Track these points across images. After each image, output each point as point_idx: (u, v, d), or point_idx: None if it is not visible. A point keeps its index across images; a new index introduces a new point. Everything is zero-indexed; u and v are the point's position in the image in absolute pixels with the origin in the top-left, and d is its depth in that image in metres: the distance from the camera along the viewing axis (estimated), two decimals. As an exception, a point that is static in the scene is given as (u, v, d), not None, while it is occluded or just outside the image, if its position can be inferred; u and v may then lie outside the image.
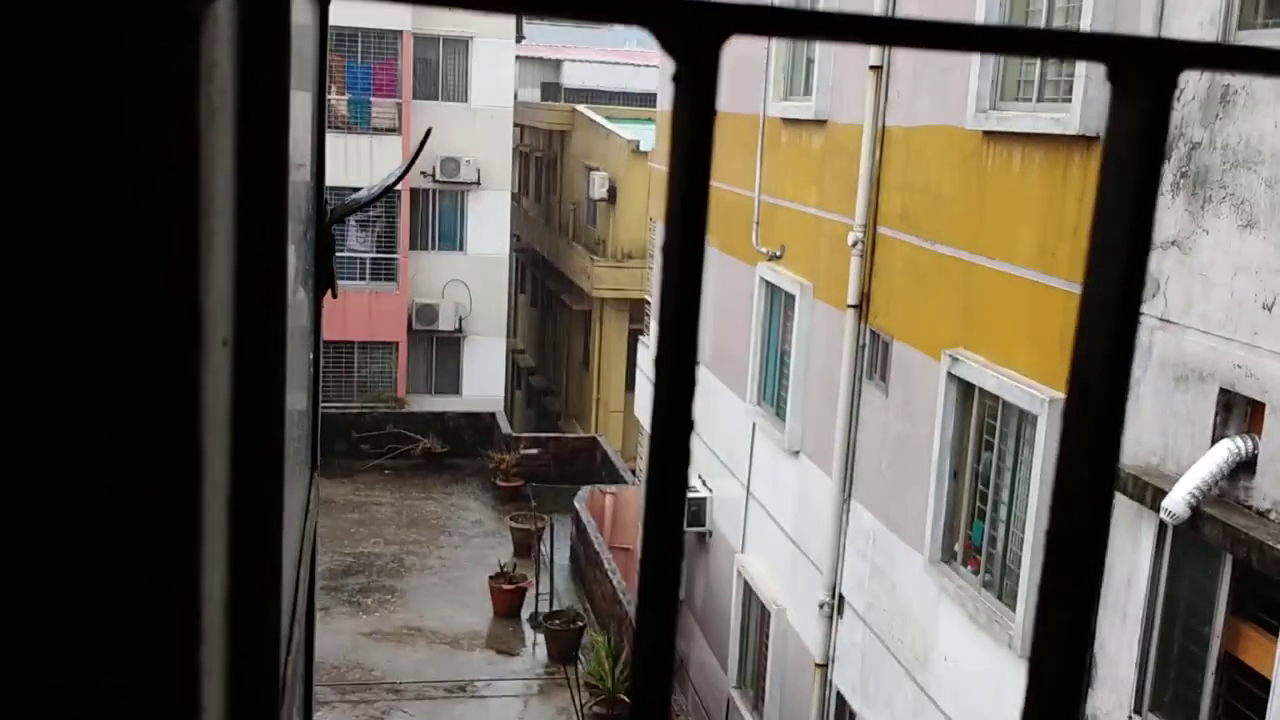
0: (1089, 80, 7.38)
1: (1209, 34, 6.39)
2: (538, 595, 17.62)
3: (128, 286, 0.42)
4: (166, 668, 0.48)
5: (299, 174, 1.33)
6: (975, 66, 8.69)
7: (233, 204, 0.59)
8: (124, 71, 0.41)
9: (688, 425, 0.47)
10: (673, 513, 0.46)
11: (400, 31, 25.61)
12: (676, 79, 0.45)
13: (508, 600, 17.82)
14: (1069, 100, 7.70)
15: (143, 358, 0.43)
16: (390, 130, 25.65)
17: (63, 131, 0.42)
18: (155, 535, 0.45)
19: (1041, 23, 8.22)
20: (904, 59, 10.05)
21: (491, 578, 18.02)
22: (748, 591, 13.34)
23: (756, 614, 13.18)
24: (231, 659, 0.66)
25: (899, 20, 0.47)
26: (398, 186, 25.56)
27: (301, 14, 1.23)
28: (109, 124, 0.41)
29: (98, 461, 0.44)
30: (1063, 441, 0.50)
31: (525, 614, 17.83)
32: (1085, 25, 7.41)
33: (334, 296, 1.66)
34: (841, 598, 11.00)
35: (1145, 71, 0.48)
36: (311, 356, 1.57)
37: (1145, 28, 6.83)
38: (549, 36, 46.30)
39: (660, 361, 0.44)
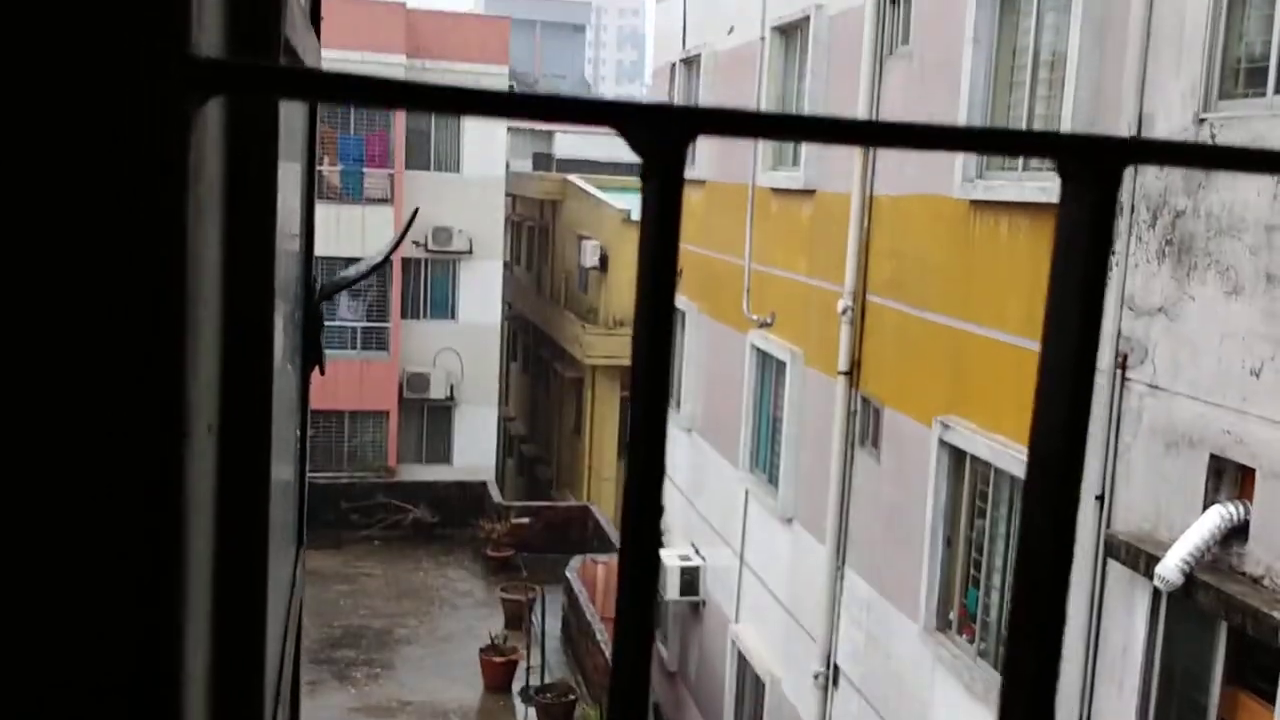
0: (1072, 150, 7.49)
1: (1190, 104, 6.51)
2: (529, 668, 17.39)
3: (113, 375, 0.43)
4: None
5: (288, 247, 1.35)
6: (960, 137, 8.82)
7: (220, 294, 0.60)
8: (114, 170, 0.42)
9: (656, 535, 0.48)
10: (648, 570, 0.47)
11: (393, 104, 25.88)
12: (643, 176, 0.47)
13: (498, 673, 17.58)
14: (1054, 171, 7.79)
15: (126, 446, 0.44)
16: (382, 200, 25.85)
17: (53, 224, 0.43)
18: (138, 621, 0.45)
19: (1025, 93, 8.37)
20: (890, 130, 10.20)
21: (482, 650, 17.79)
22: (742, 662, 13.20)
23: (751, 685, 13.03)
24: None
25: (856, 121, 0.49)
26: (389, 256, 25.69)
27: (290, 105, 1.26)
28: (97, 220, 0.42)
29: (79, 547, 0.45)
30: (1023, 521, 0.51)
31: (516, 687, 17.58)
32: (1069, 93, 7.54)
33: (321, 373, 1.67)
34: (836, 668, 10.88)
35: (1091, 168, 0.50)
36: (299, 432, 1.57)
37: (1128, 97, 6.95)
38: (541, 108, 46.80)
39: (630, 476, 0.45)
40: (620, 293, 25.66)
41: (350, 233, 25.16)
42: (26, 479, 0.45)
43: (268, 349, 0.73)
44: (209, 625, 0.63)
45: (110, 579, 0.46)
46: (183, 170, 0.43)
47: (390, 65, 25.71)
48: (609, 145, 36.56)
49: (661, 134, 0.46)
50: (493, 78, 26.94)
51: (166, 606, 0.46)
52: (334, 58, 27.30)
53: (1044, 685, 0.48)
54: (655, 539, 0.50)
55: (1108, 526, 7.03)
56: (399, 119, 26.08)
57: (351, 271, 3.04)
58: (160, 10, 0.43)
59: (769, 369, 12.86)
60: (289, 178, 1.42)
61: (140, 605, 0.46)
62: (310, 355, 1.55)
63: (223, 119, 0.59)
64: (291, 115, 1.37)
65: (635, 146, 0.47)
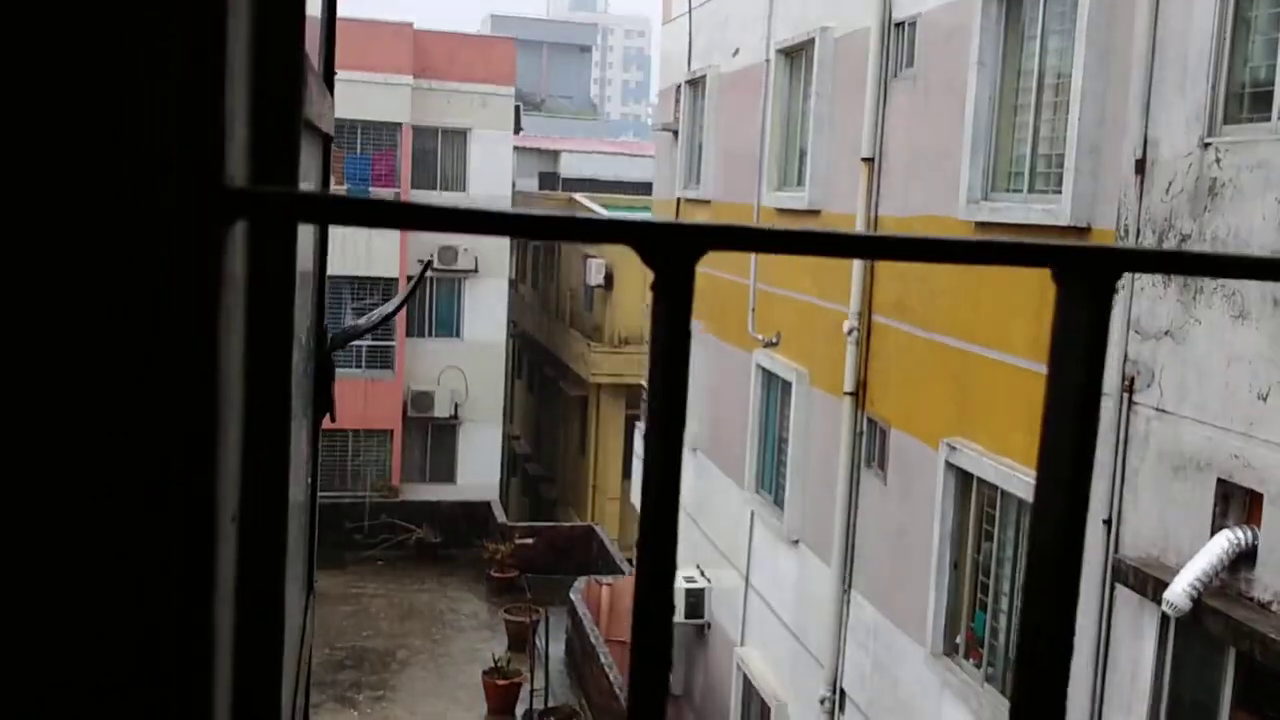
0: (1078, 172, 7.51)
1: (1195, 129, 6.52)
2: (532, 691, 17.33)
3: (150, 477, 0.44)
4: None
5: (301, 300, 1.35)
6: (967, 157, 8.84)
7: (242, 394, 0.61)
8: (152, 292, 0.43)
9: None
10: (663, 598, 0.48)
11: (400, 124, 26.02)
12: (654, 288, 0.49)
13: (502, 696, 17.52)
14: (1059, 192, 7.81)
15: (155, 540, 0.45)
16: (389, 220, 25.89)
17: (95, 347, 0.45)
18: (171, 704, 0.47)
19: (1030, 116, 8.38)
20: (896, 151, 10.23)
21: (485, 672, 17.73)
22: (747, 686, 13.15)
23: (757, 710, 12.97)
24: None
25: (857, 235, 0.50)
26: (395, 276, 25.77)
27: (305, 163, 1.27)
28: (131, 344, 0.43)
29: (110, 648, 0.46)
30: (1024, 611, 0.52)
31: (520, 710, 17.52)
32: (1073, 117, 7.56)
33: (333, 420, 1.68)
34: (843, 692, 10.84)
35: (1086, 276, 0.51)
36: (309, 480, 1.58)
37: (1132, 121, 6.96)
38: (547, 128, 47.08)
39: (640, 569, 0.46)
40: (625, 311, 25.70)
41: (355, 252, 25.24)
42: (75, 576, 0.45)
43: (285, 442, 0.74)
44: (229, 703, 0.64)
45: (145, 666, 0.46)
46: (216, 289, 0.44)
47: (397, 85, 25.82)
48: (614, 164, 36.66)
49: (671, 250, 0.48)
50: (499, 98, 27.06)
51: (198, 691, 0.47)
52: (342, 78, 27.40)
53: (1052, 713, 0.49)
54: (669, 594, 0.51)
55: (1115, 551, 7.01)
56: (406, 138, 26.18)
57: (363, 321, 3.05)
58: (197, 145, 0.45)
59: (774, 389, 12.85)
60: (303, 230, 1.43)
61: (173, 688, 0.47)
62: (321, 404, 1.55)
63: (246, 237, 0.60)
64: (311, 155, 1.38)
65: (649, 262, 0.48)
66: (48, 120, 0.43)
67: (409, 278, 26.32)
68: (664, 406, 0.48)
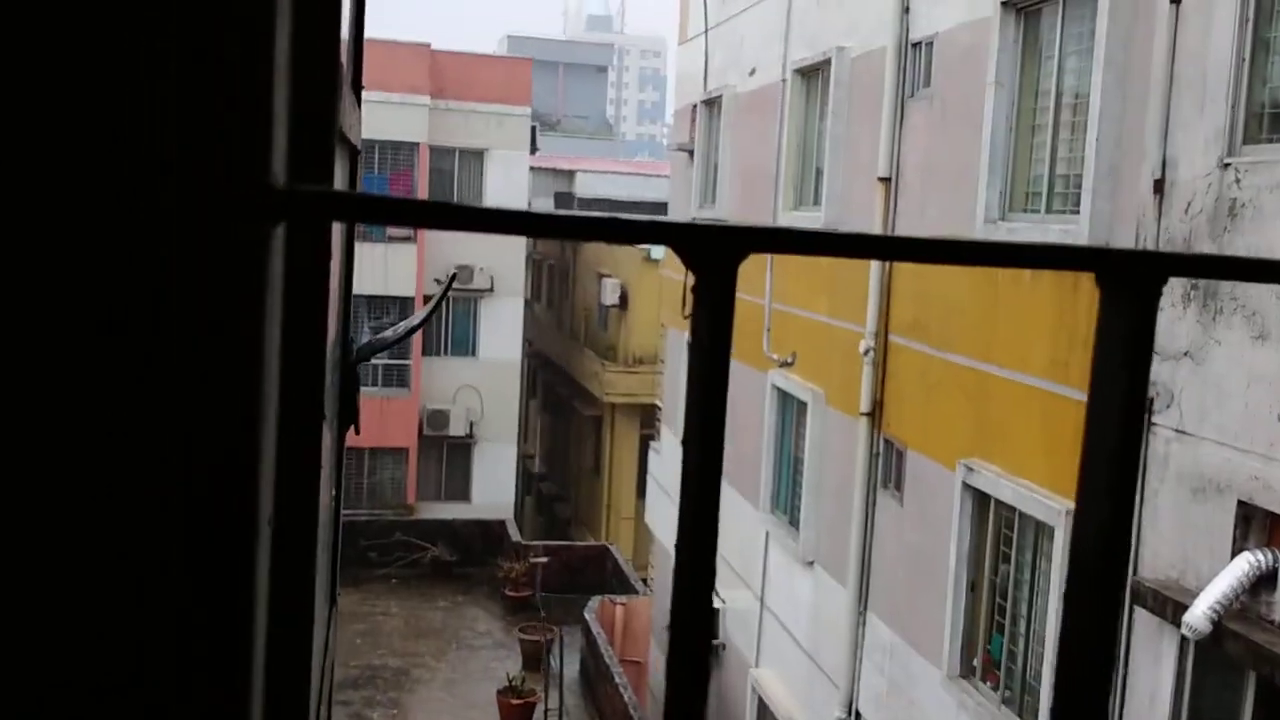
0: (1096, 193, 7.49)
1: (1214, 149, 6.50)
2: (547, 710, 17.28)
3: (195, 479, 0.45)
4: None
5: (330, 319, 1.36)
6: (984, 177, 8.84)
7: (279, 396, 0.61)
8: (200, 292, 0.44)
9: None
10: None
11: (417, 144, 26.17)
12: (695, 291, 0.49)
13: (516, 716, 17.46)
14: (1077, 212, 7.80)
15: (199, 543, 0.46)
16: (405, 239, 26.04)
17: (146, 348, 0.45)
18: (208, 702, 0.47)
19: (1048, 136, 8.37)
20: (913, 171, 10.22)
21: (499, 692, 17.69)
22: (762, 708, 13.08)
23: (771, 729, 12.90)
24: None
25: (898, 238, 0.50)
26: (411, 296, 25.84)
27: (339, 164, 1.28)
28: (180, 342, 0.44)
29: (166, 639, 0.46)
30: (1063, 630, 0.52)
31: (534, 728, 17.46)
32: (1091, 137, 7.55)
33: (357, 433, 1.68)
34: (858, 714, 10.77)
35: (1130, 280, 0.50)
36: (334, 491, 1.58)
37: (1151, 141, 6.95)
38: (562, 148, 47.26)
39: (678, 575, 0.46)
40: (640, 331, 25.71)
41: (373, 271, 25.32)
42: (113, 577, 0.46)
43: (318, 443, 0.74)
44: (261, 705, 0.64)
45: (187, 664, 0.47)
46: (261, 288, 0.44)
47: (415, 105, 25.98)
48: (629, 184, 36.73)
49: (713, 252, 0.48)
50: (516, 118, 27.19)
51: (238, 689, 0.47)
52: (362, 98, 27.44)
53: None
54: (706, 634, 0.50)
55: (1135, 573, 6.96)
56: (423, 158, 26.31)
57: (389, 333, 3.07)
58: (245, 145, 0.45)
59: (790, 409, 12.83)
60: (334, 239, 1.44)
61: (210, 689, 0.47)
62: (347, 416, 1.56)
63: (284, 237, 0.61)
64: (342, 166, 1.39)
65: (688, 263, 0.48)
66: (115, 124, 0.44)
67: (426, 297, 26.42)
68: (704, 409, 0.48)
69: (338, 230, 1.36)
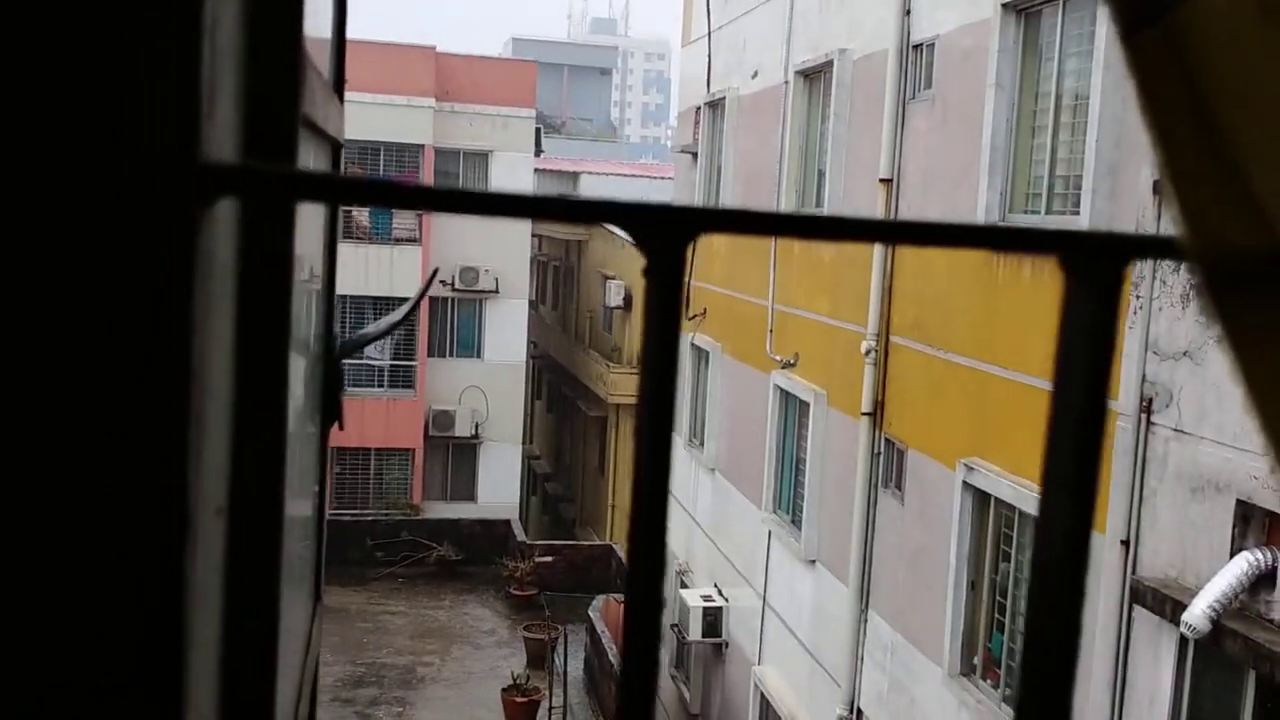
0: (1096, 193, 7.49)
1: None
2: (551, 708, 17.30)
3: (118, 467, 0.45)
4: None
5: (308, 303, 1.37)
6: (985, 178, 8.84)
7: (231, 379, 0.62)
8: (120, 272, 0.44)
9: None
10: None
11: (422, 145, 26.19)
12: (647, 273, 0.49)
13: (520, 713, 17.48)
14: (1077, 212, 7.80)
15: (130, 537, 0.46)
16: (410, 241, 26.06)
17: (59, 322, 0.45)
18: (140, 709, 0.47)
19: (1048, 137, 8.37)
20: (914, 172, 10.22)
21: (504, 690, 17.71)
22: (765, 705, 13.08)
23: (774, 728, 12.90)
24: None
25: (858, 220, 0.51)
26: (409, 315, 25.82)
27: (314, 166, 1.29)
28: (101, 319, 0.44)
29: (81, 633, 0.46)
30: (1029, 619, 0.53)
31: (538, 727, 17.47)
32: (1091, 138, 7.55)
33: (340, 429, 1.70)
34: (860, 712, 10.77)
35: (1094, 263, 0.51)
36: (317, 487, 1.59)
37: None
38: (567, 150, 47.28)
39: (631, 558, 0.47)
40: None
41: (378, 273, 25.36)
42: (31, 572, 0.46)
43: (281, 429, 0.75)
44: (216, 701, 0.65)
45: (111, 665, 0.47)
46: (189, 270, 0.45)
47: (420, 108, 26.00)
48: (634, 186, 36.77)
49: (664, 233, 0.48)
50: (520, 120, 27.20)
51: (170, 692, 0.47)
52: (367, 100, 27.43)
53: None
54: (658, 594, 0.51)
55: (1134, 572, 6.96)
56: (428, 160, 26.34)
57: (371, 329, 3.08)
58: (171, 119, 0.45)
59: (792, 409, 12.83)
60: (310, 224, 1.45)
61: (144, 691, 0.47)
62: (330, 412, 1.57)
63: (237, 215, 0.61)
64: (320, 160, 1.40)
65: (639, 245, 0.49)
66: (19, 95, 0.43)
67: (431, 298, 26.45)
68: (655, 389, 0.48)
69: (314, 220, 1.37)
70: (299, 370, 1.23)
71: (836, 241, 0.55)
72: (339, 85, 1.56)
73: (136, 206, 0.44)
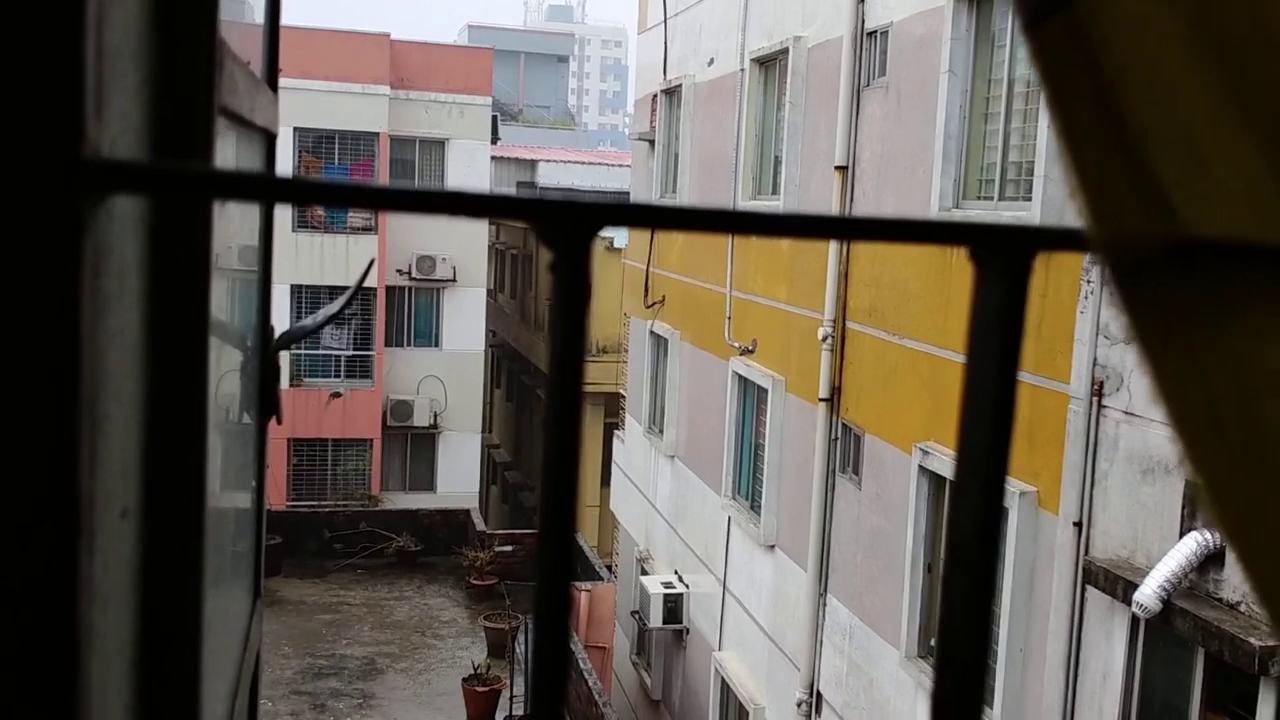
0: (1048, 179, 7.57)
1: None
2: (512, 697, 17.30)
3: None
4: None
5: (245, 291, 1.35)
6: (939, 165, 8.90)
7: (140, 379, 0.61)
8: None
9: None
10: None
11: (377, 133, 25.99)
12: (553, 268, 0.49)
13: (481, 703, 17.47)
14: (1029, 199, 7.87)
15: (14, 544, 0.44)
16: (366, 229, 25.87)
17: None
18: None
19: (1001, 123, 8.44)
20: (869, 159, 10.28)
21: (465, 679, 17.69)
22: (725, 690, 13.16)
23: (734, 713, 12.98)
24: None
25: (754, 214, 0.51)
26: (374, 286, 25.69)
27: (245, 159, 1.26)
28: None
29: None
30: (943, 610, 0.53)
31: (500, 717, 17.47)
32: (1043, 124, 7.62)
33: (279, 423, 1.68)
34: (819, 695, 10.86)
35: (1003, 254, 0.51)
36: (255, 482, 1.57)
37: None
38: (524, 138, 47.08)
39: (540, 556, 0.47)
40: (603, 321, 25.70)
41: (334, 262, 25.16)
42: None
43: (199, 434, 0.73)
44: (129, 706, 0.63)
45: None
46: (74, 269, 0.43)
47: (375, 95, 25.79)
48: (592, 174, 36.73)
49: (566, 228, 0.48)
50: (476, 108, 27.06)
51: (62, 700, 0.46)
52: (321, 89, 27.17)
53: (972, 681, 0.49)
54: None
55: (1086, 553, 7.05)
56: (384, 148, 26.14)
57: (309, 321, 3.06)
58: (50, 114, 0.44)
59: (750, 396, 12.88)
60: (245, 213, 1.43)
61: (32, 703, 0.46)
62: (267, 405, 1.55)
63: (140, 212, 0.59)
64: (250, 152, 1.38)
65: (543, 240, 0.49)
66: None
67: (388, 288, 26.29)
68: (561, 380, 0.48)
69: (249, 211, 1.34)
70: (232, 362, 1.21)
71: (742, 235, 0.54)
72: (272, 74, 1.53)
73: (13, 203, 0.43)
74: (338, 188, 0.45)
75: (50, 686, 0.45)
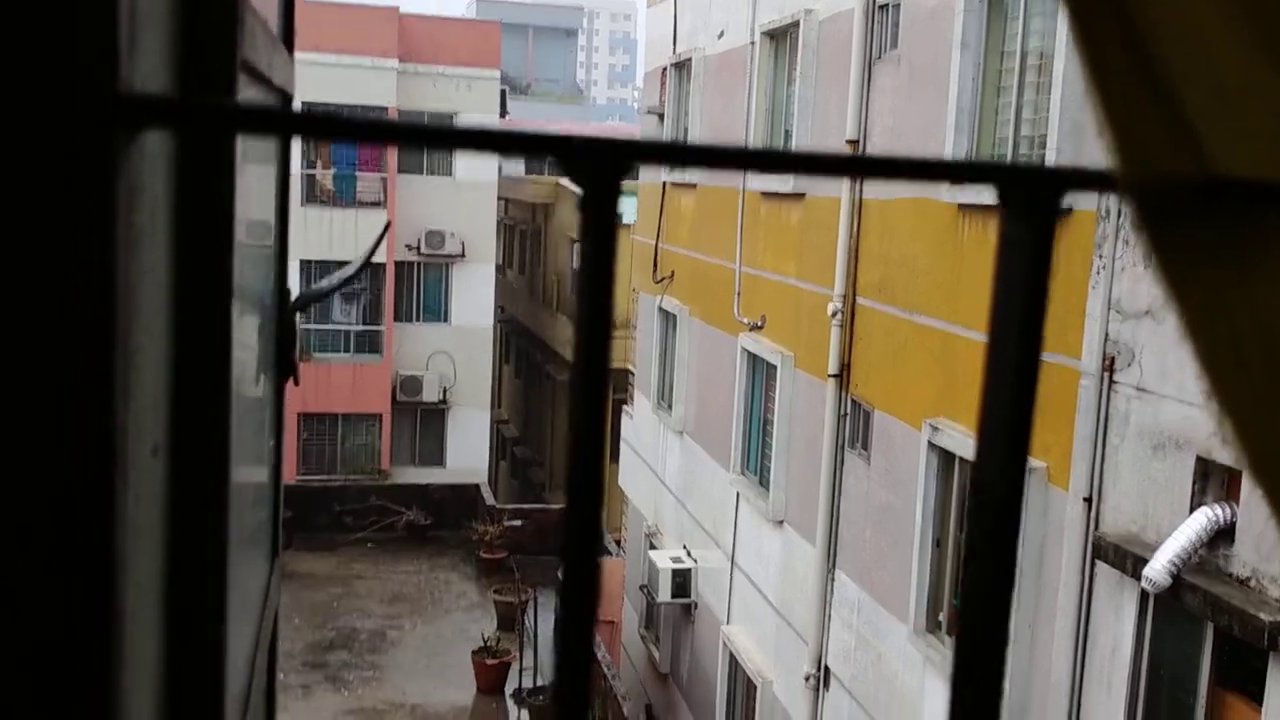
0: (1060, 152, 7.52)
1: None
2: (522, 669, 17.41)
3: (35, 404, 0.44)
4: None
5: (259, 257, 1.35)
6: (950, 137, 8.85)
7: (168, 318, 0.61)
8: (36, 206, 0.43)
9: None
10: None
11: (386, 108, 25.92)
12: (582, 206, 0.49)
13: (491, 675, 17.58)
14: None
15: (52, 469, 0.45)
16: (375, 204, 25.85)
17: None
18: (68, 655, 0.46)
19: (1013, 96, 8.39)
20: (880, 133, 10.23)
21: (475, 652, 17.80)
22: (733, 664, 13.22)
23: (742, 687, 13.04)
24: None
25: (784, 153, 0.51)
26: (383, 261, 25.69)
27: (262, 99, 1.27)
28: (18, 254, 0.43)
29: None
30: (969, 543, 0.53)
31: (509, 689, 17.59)
32: (1055, 97, 7.57)
33: (295, 384, 1.68)
34: (827, 669, 10.90)
35: (1030, 194, 0.51)
36: (273, 442, 1.58)
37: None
38: (533, 112, 46.94)
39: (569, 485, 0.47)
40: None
41: (343, 236, 25.16)
42: None
43: (223, 368, 0.74)
44: (159, 655, 0.64)
45: (35, 605, 0.46)
46: (109, 203, 0.44)
47: (384, 69, 25.72)
48: (601, 148, 36.58)
49: (597, 165, 0.48)
50: (485, 82, 26.97)
51: (99, 629, 0.47)
52: (330, 62, 27.11)
53: (994, 664, 0.49)
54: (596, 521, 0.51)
55: (1096, 528, 7.05)
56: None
57: (325, 283, 3.06)
58: (87, 49, 0.44)
59: (759, 372, 12.87)
60: (261, 183, 1.43)
61: (73, 638, 0.46)
62: (284, 366, 1.56)
63: (168, 148, 0.60)
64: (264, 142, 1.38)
65: (573, 177, 0.49)
66: None
67: (396, 263, 26.29)
68: (590, 323, 0.48)
69: (265, 180, 1.35)
70: (251, 324, 1.22)
71: (770, 173, 0.54)
72: (288, 36, 1.53)
73: (52, 136, 0.43)
74: (361, 123, 0.45)
75: (88, 606, 0.46)
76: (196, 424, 0.69)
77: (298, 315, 1.70)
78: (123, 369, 0.45)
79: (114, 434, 0.45)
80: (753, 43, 12.94)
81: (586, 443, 0.50)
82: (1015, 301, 0.51)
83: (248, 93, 1.05)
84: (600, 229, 0.48)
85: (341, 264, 25.04)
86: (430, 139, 0.48)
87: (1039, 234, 0.51)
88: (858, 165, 0.52)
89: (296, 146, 22.61)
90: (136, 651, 0.54)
